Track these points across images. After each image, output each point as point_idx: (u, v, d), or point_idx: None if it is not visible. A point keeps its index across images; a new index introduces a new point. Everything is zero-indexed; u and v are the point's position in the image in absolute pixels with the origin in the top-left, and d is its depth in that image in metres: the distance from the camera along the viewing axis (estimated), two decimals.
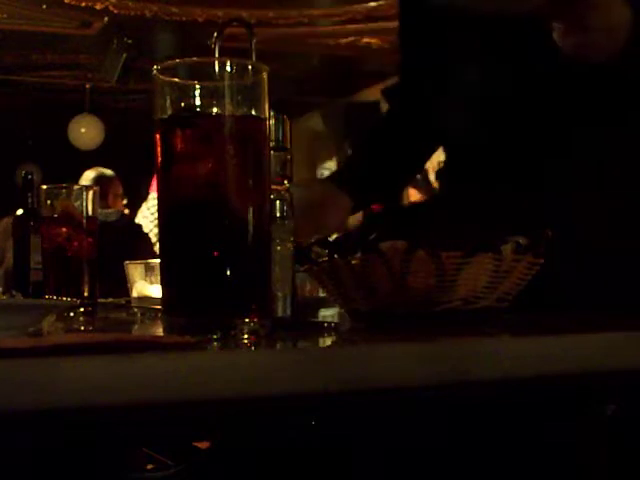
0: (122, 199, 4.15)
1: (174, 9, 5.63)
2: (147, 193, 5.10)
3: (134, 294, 1.36)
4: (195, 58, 0.72)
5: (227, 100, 0.70)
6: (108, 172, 4.07)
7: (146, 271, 1.33)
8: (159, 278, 0.74)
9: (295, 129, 0.92)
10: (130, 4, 5.58)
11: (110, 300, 1.46)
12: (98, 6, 5.58)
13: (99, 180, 3.84)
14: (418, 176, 6.92)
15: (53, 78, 7.27)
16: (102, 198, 3.79)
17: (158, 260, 0.76)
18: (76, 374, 0.50)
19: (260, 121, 0.72)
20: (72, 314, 1.11)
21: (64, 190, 1.33)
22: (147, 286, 1.33)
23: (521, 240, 0.89)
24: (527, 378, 0.66)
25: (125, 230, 3.72)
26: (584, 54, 0.98)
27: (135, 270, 1.34)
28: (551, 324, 0.87)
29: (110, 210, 3.78)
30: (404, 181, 1.59)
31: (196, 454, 1.30)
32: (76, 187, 1.35)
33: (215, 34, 0.85)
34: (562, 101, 1.13)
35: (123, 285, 1.45)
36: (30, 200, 1.80)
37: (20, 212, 1.81)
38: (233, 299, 0.69)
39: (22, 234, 1.72)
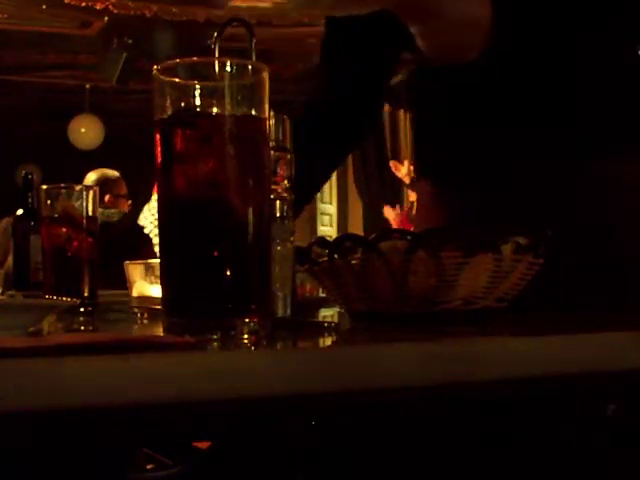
0: (127, 200, 4.15)
1: (174, 9, 5.63)
2: (148, 193, 5.09)
3: (134, 294, 1.36)
4: (195, 58, 0.72)
5: (227, 100, 0.70)
6: (112, 173, 4.08)
7: (146, 271, 1.33)
8: (159, 278, 0.74)
9: None
10: (130, 4, 5.58)
11: (111, 292, 1.46)
12: (98, 6, 5.58)
13: (103, 181, 3.84)
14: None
15: (53, 78, 7.27)
16: (104, 199, 3.81)
17: (158, 260, 0.76)
18: (76, 374, 0.50)
19: (260, 121, 0.72)
20: (72, 314, 1.11)
21: (64, 190, 1.33)
22: (147, 286, 1.33)
23: (521, 240, 0.89)
24: (527, 378, 0.66)
25: (126, 230, 3.73)
26: (439, 54, 1.04)
27: (135, 270, 1.34)
28: (551, 324, 0.87)
29: (112, 210, 3.79)
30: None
31: (196, 454, 1.30)
32: (76, 187, 1.35)
33: (215, 34, 0.85)
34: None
35: (123, 285, 1.45)
36: (30, 200, 1.80)
37: (20, 212, 1.81)
38: (233, 299, 0.69)
39: (22, 234, 1.72)
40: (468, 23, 0.99)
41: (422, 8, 0.98)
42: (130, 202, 4.27)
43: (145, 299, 1.26)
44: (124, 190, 4.07)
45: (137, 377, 0.52)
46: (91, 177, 3.95)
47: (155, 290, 1.27)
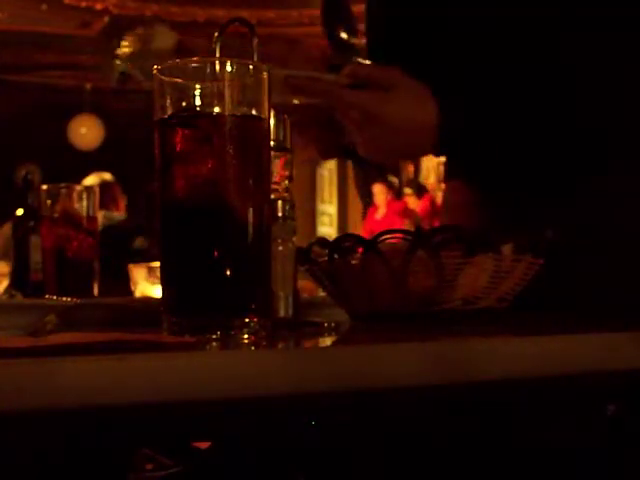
0: (123, 201, 4.17)
1: (174, 9, 5.63)
2: (147, 194, 5.09)
3: (137, 295, 1.39)
4: (196, 58, 0.72)
5: (227, 100, 0.70)
6: (107, 176, 4.10)
7: (149, 273, 1.36)
8: None
9: None
10: (130, 4, 5.58)
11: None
12: (98, 6, 5.59)
13: (101, 185, 3.86)
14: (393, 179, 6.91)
15: (53, 78, 7.27)
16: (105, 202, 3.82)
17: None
18: (76, 374, 0.50)
19: (260, 121, 0.72)
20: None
21: (64, 190, 1.33)
22: (150, 287, 1.35)
23: (521, 240, 0.89)
24: (527, 378, 0.66)
25: (128, 233, 3.73)
26: (379, 159, 1.06)
27: (138, 272, 1.37)
28: (551, 324, 0.87)
29: (115, 213, 3.81)
30: None
31: (196, 454, 1.30)
32: (76, 187, 1.35)
33: (216, 34, 0.84)
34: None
35: (123, 286, 1.46)
36: (30, 200, 1.80)
37: (20, 212, 1.81)
38: (233, 299, 0.69)
39: (22, 234, 1.72)
40: (409, 130, 0.98)
41: (363, 115, 0.97)
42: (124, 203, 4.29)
43: (148, 300, 1.28)
44: (120, 193, 4.10)
45: (137, 377, 0.52)
46: (90, 181, 3.96)
47: (158, 291, 1.28)
